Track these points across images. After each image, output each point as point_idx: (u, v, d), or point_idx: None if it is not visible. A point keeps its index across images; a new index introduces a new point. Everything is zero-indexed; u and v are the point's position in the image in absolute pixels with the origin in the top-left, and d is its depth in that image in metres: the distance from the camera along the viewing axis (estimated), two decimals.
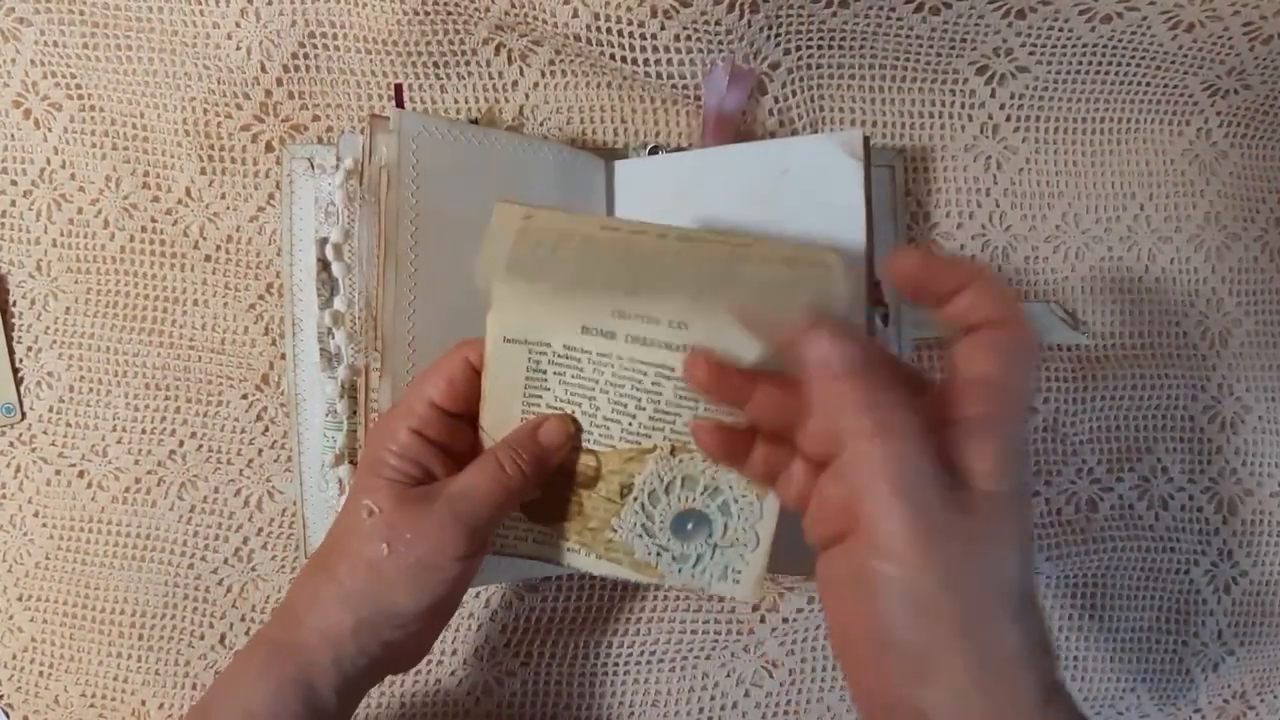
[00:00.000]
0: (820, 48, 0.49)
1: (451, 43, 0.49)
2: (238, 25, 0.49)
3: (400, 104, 0.49)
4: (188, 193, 0.51)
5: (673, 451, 0.38)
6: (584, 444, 0.38)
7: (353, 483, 0.39)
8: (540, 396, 0.37)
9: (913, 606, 0.28)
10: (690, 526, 0.39)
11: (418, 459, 0.37)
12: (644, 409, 0.37)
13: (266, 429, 0.51)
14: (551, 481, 0.39)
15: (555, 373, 0.37)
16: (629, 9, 0.45)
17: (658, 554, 0.40)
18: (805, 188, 0.44)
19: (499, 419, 0.38)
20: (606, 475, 0.39)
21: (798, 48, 0.49)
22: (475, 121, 0.49)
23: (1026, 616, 0.29)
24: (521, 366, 0.37)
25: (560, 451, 0.38)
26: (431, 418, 0.37)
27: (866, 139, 0.44)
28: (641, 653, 0.50)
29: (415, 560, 0.36)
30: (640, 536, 0.39)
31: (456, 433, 0.38)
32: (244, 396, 0.51)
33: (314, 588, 0.37)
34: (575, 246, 0.35)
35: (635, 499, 0.39)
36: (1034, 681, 0.28)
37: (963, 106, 0.51)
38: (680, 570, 0.40)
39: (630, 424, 0.37)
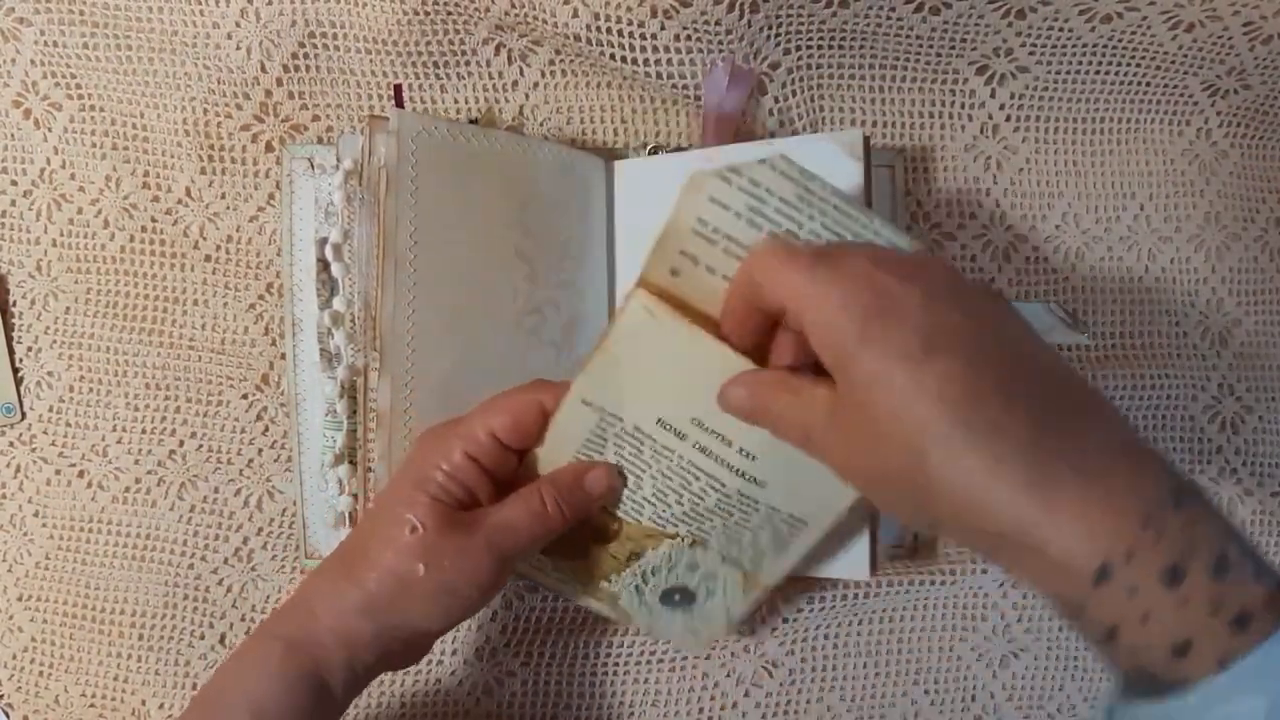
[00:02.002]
0: (820, 48, 0.49)
1: (451, 43, 0.49)
2: (238, 25, 0.49)
3: (400, 104, 0.49)
4: (188, 193, 0.51)
5: (691, 544, 0.40)
6: (612, 510, 0.40)
7: (386, 490, 0.39)
8: (592, 458, 0.39)
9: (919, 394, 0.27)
10: (676, 599, 0.43)
11: (466, 482, 0.37)
12: (682, 504, 0.39)
13: (266, 429, 0.51)
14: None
15: (615, 445, 0.38)
16: (629, 9, 0.45)
17: (638, 606, 0.43)
18: None
19: (547, 462, 0.39)
20: (622, 540, 0.41)
21: (798, 48, 0.49)
22: (475, 121, 0.49)
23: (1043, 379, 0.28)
24: (587, 428, 0.38)
25: (602, 501, 0.39)
26: (489, 447, 0.38)
27: (866, 139, 0.44)
28: (641, 653, 0.50)
29: (447, 585, 0.37)
30: (630, 593, 0.43)
31: (505, 464, 0.39)
32: (244, 396, 0.51)
33: (336, 590, 0.37)
34: (686, 345, 0.34)
35: (639, 569, 0.42)
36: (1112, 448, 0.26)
37: (963, 106, 0.51)
38: (650, 625, 0.44)
39: (663, 510, 0.39)
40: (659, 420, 0.36)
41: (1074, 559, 0.25)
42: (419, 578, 0.36)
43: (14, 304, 0.52)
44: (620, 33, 0.46)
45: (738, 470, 0.37)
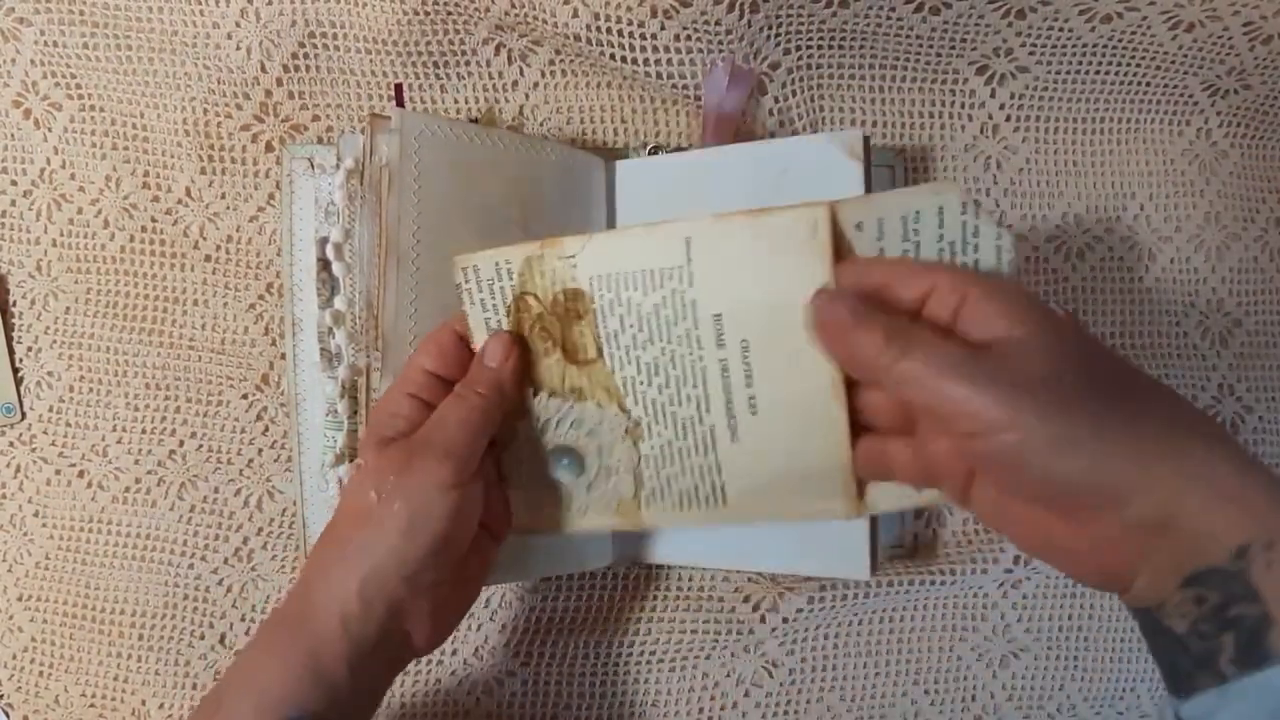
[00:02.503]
0: (820, 48, 0.49)
1: (451, 43, 0.49)
2: (238, 25, 0.49)
3: (400, 103, 0.49)
4: (188, 193, 0.51)
5: (626, 430, 0.38)
6: (605, 343, 0.37)
7: None
8: (631, 290, 0.36)
9: (1052, 448, 0.29)
10: (565, 462, 0.40)
11: (408, 415, 0.38)
12: (660, 392, 0.37)
13: (266, 429, 0.51)
14: (555, 317, 0.38)
15: (663, 298, 0.36)
16: (629, 9, 0.45)
17: (531, 437, 0.40)
18: (805, 188, 0.44)
19: (604, 258, 0.37)
20: (582, 372, 0.38)
21: (798, 48, 0.49)
22: (475, 121, 0.49)
23: (1141, 392, 0.31)
24: (661, 263, 0.36)
25: (508, 364, 0.38)
26: (424, 382, 0.38)
27: (866, 139, 0.44)
28: (641, 653, 0.50)
29: (405, 500, 0.36)
30: (539, 422, 0.40)
31: (443, 395, 0.39)
32: (244, 396, 0.51)
33: (319, 554, 0.37)
34: (811, 276, 0.34)
35: (570, 409, 0.39)
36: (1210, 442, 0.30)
37: (963, 106, 0.51)
38: (521, 465, 0.40)
39: (640, 382, 0.38)
40: (717, 315, 0.35)
41: (1216, 535, 0.28)
42: (375, 505, 0.36)
43: (14, 304, 0.52)
44: (620, 33, 0.46)
45: (732, 411, 0.36)
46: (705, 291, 0.35)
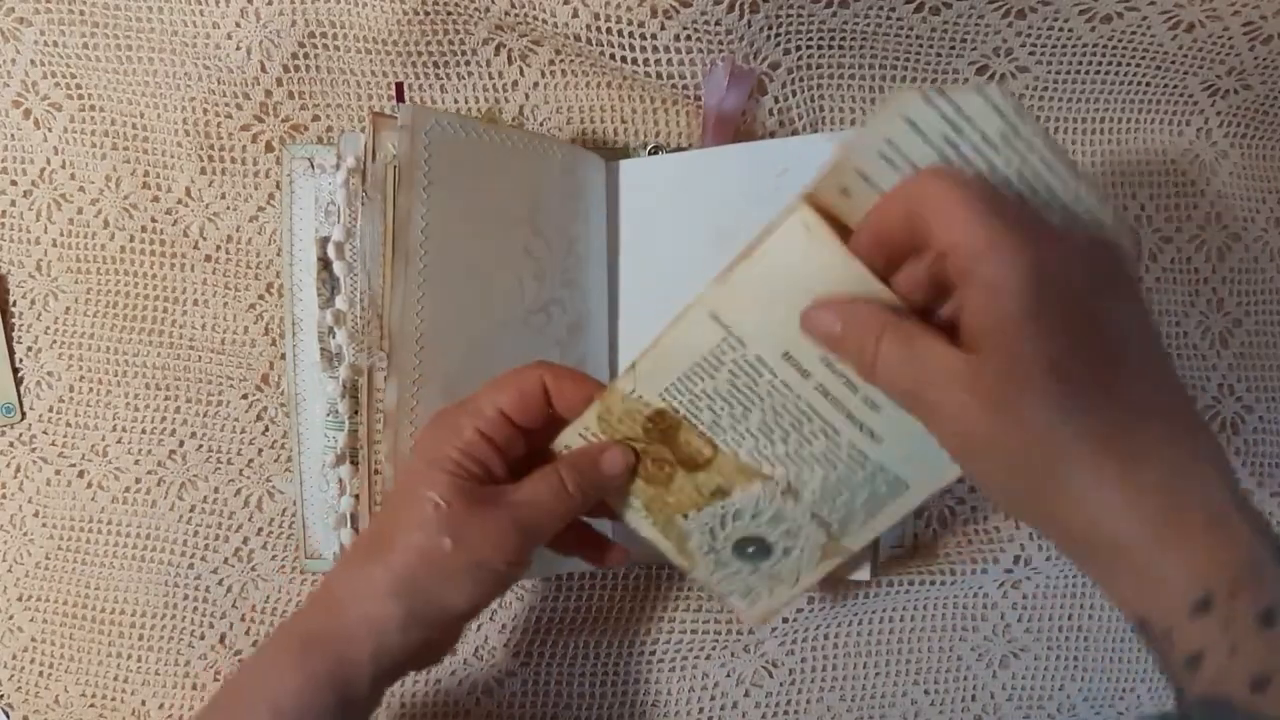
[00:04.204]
0: (820, 48, 0.49)
1: (451, 43, 0.49)
2: (238, 25, 0.49)
3: (401, 102, 0.49)
4: (188, 193, 0.51)
5: (784, 491, 0.38)
6: (711, 434, 0.37)
7: (400, 477, 0.39)
8: (701, 381, 0.36)
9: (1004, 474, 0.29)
10: (750, 550, 0.40)
11: (481, 458, 0.37)
12: (787, 444, 0.37)
13: (266, 429, 0.51)
14: (655, 443, 0.38)
15: (731, 371, 0.36)
16: (629, 9, 0.45)
17: (707, 552, 0.40)
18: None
19: (657, 372, 0.37)
20: (712, 471, 0.38)
21: (798, 48, 0.49)
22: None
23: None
24: (708, 346, 0.35)
25: (618, 480, 0.38)
26: (498, 423, 0.37)
27: None
28: (641, 653, 0.50)
29: (475, 559, 0.36)
30: (703, 533, 0.40)
31: (514, 442, 0.38)
32: (244, 396, 0.51)
33: (364, 576, 0.36)
34: (838, 273, 0.32)
35: (723, 507, 0.39)
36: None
37: None
38: (713, 572, 0.41)
39: (765, 447, 0.37)
40: (785, 354, 0.34)
41: (1176, 584, 0.27)
42: (447, 553, 0.35)
43: (14, 304, 0.52)
44: (620, 33, 0.46)
45: (857, 421, 0.35)
46: (761, 343, 0.35)
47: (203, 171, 0.51)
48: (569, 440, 0.39)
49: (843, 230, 0.32)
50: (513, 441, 0.38)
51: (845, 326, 0.31)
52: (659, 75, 0.47)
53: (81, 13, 0.50)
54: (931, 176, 0.29)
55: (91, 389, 0.52)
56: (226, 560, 0.51)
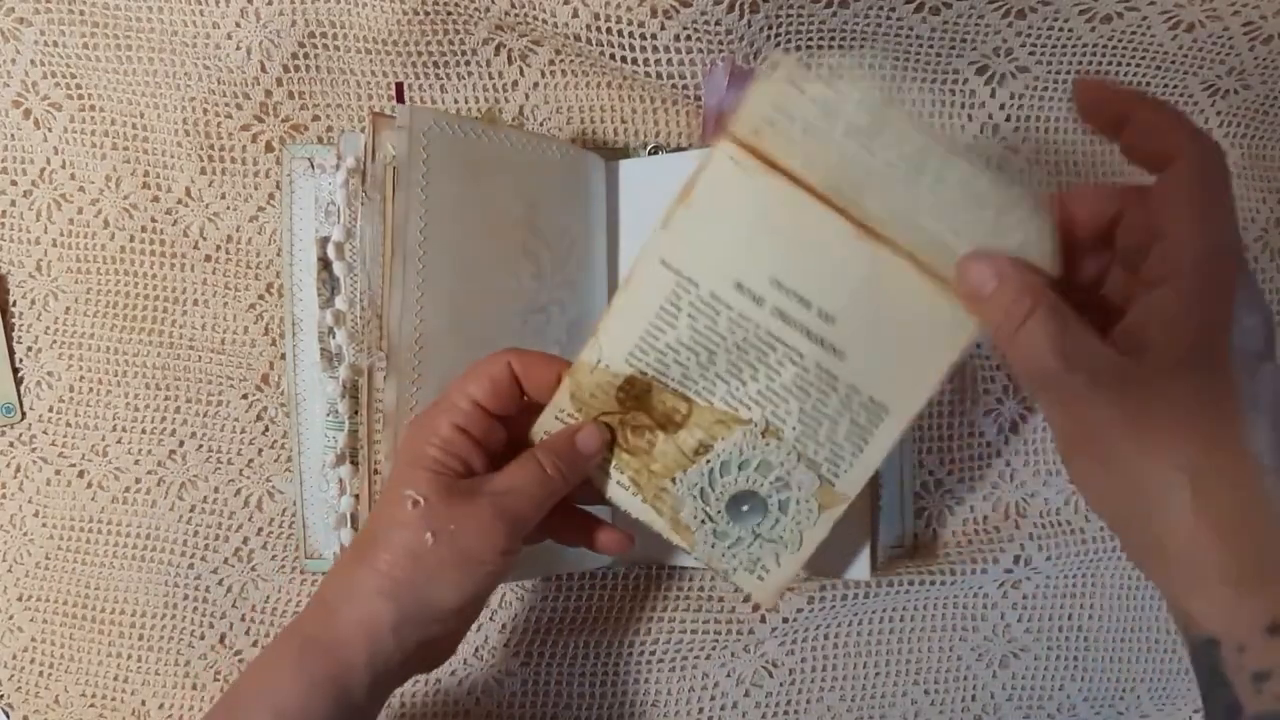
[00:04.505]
0: (820, 48, 0.49)
1: (451, 43, 0.49)
2: (238, 25, 0.49)
3: (401, 102, 0.49)
4: (188, 193, 0.51)
5: (764, 432, 0.38)
6: (683, 389, 0.38)
7: (389, 477, 0.39)
8: (663, 334, 0.37)
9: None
10: (745, 509, 0.40)
11: (459, 453, 0.37)
12: (757, 380, 0.37)
13: (266, 429, 0.51)
14: (631, 410, 0.39)
15: (690, 315, 0.37)
16: (629, 9, 0.45)
17: (702, 521, 0.40)
18: None
19: (619, 337, 0.37)
20: (690, 427, 0.38)
21: (798, 48, 0.49)
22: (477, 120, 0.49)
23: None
24: (663, 294, 0.36)
25: (595, 458, 0.39)
26: (473, 415, 0.38)
27: None
28: (641, 653, 0.50)
29: (460, 551, 0.36)
30: (695, 498, 0.40)
31: (492, 433, 0.38)
32: (244, 396, 0.51)
33: (352, 579, 0.37)
34: (771, 199, 0.35)
35: (708, 462, 0.39)
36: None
37: (963, 106, 0.51)
38: (714, 546, 0.40)
39: (737, 389, 0.38)
40: (737, 284, 0.36)
41: (1255, 611, 0.29)
42: (430, 548, 0.36)
43: (14, 304, 0.52)
44: (620, 33, 0.46)
45: (816, 336, 0.36)
46: (712, 278, 0.36)
47: (203, 171, 0.51)
48: (547, 425, 0.39)
49: (766, 160, 0.34)
50: (491, 432, 0.38)
51: (1000, 286, 0.32)
52: (659, 75, 0.47)
53: (81, 13, 0.50)
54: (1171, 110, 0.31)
55: (91, 389, 0.52)
56: (226, 560, 0.51)
